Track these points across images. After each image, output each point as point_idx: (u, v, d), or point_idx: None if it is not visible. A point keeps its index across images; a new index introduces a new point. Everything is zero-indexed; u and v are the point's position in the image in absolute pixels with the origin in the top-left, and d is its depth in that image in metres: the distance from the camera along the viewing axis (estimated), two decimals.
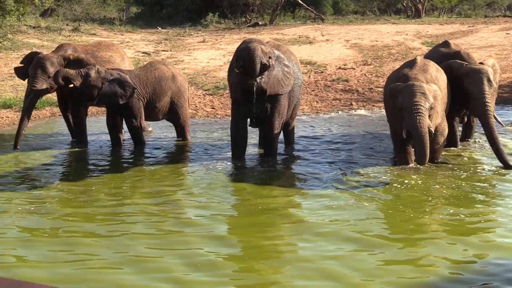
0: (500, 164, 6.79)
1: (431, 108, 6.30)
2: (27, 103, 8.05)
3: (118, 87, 7.84)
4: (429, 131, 6.28)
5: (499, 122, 7.32)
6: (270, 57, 6.76)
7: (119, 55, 9.25)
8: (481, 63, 7.46)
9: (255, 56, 6.51)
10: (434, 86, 6.57)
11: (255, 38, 7.29)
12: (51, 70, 7.91)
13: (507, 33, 17.71)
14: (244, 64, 6.57)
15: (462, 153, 7.45)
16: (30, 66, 8.05)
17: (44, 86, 7.92)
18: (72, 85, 7.76)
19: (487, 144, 7.75)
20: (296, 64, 7.85)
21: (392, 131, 7.04)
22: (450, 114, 7.44)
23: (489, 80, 7.08)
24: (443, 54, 7.83)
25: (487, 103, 6.99)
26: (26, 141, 8.66)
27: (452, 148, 7.61)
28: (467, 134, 8.20)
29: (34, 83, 7.92)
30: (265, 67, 6.67)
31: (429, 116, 6.32)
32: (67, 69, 7.82)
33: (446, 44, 8.21)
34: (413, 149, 6.93)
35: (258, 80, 6.68)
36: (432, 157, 6.87)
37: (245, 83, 6.72)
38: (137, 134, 8.22)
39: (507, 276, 4.07)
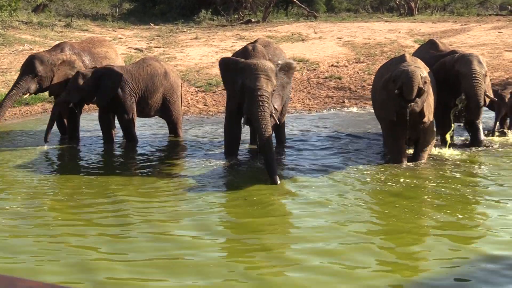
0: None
1: (424, 82, 6.25)
2: (7, 96, 8.13)
3: (108, 83, 7.86)
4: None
5: (491, 99, 7.27)
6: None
7: (113, 51, 9.30)
8: None
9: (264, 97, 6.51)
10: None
11: (257, 49, 7.16)
12: (40, 68, 7.93)
13: (499, 32, 17.77)
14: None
15: (457, 153, 7.44)
16: (22, 64, 8.13)
17: (30, 85, 7.95)
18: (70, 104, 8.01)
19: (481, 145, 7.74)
20: None
21: (384, 130, 7.04)
22: (446, 115, 7.42)
23: (479, 62, 7.09)
24: (434, 56, 7.71)
25: (476, 79, 6.95)
26: (17, 137, 8.63)
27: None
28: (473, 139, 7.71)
29: (19, 79, 8.01)
30: None
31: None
32: (63, 95, 7.92)
33: (434, 45, 8.05)
34: (407, 149, 6.97)
35: None
36: (422, 156, 6.89)
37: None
38: (130, 131, 8.20)
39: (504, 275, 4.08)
